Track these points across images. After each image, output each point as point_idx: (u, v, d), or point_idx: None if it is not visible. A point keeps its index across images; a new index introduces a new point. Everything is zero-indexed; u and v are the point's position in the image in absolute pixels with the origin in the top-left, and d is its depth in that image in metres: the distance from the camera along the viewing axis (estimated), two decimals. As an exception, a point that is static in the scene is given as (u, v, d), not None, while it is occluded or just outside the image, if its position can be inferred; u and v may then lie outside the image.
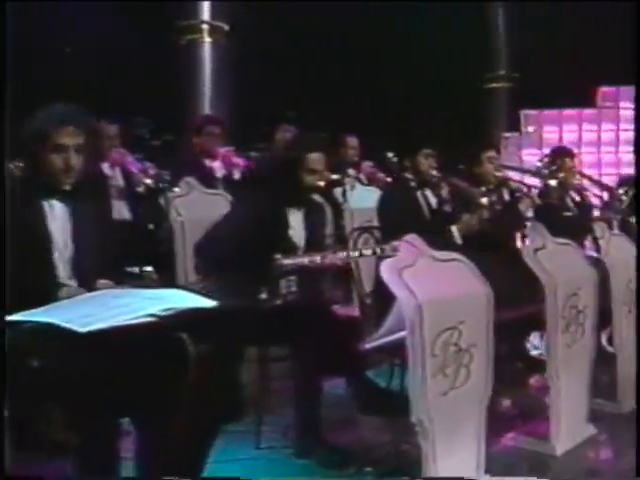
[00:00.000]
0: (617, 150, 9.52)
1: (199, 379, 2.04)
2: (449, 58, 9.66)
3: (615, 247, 3.81)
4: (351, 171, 6.18)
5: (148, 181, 5.02)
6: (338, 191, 5.52)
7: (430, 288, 2.49)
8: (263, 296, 2.76)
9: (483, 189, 4.11)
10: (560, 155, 5.18)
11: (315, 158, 3.25)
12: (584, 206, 5.22)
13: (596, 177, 6.32)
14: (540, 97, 9.28)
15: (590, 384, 3.40)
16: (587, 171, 9.05)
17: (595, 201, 5.72)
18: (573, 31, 9.41)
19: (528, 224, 4.19)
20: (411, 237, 2.61)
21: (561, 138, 9.33)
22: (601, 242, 3.70)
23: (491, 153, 4.46)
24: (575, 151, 8.99)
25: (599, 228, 3.87)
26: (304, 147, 3.28)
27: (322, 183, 3.29)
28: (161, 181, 4.90)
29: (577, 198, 5.24)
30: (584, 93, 9.51)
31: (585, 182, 5.69)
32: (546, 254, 3.18)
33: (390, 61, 9.79)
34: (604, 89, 9.47)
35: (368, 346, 2.64)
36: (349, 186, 5.60)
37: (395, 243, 2.76)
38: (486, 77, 10.66)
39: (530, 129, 9.45)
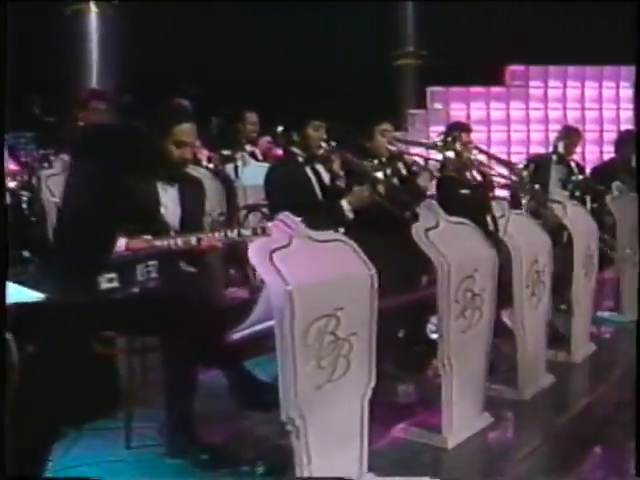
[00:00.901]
0: (528, 129, 9.53)
1: (24, 385, 1.75)
2: (357, 35, 9.50)
3: (517, 227, 3.66)
4: (248, 147, 5.97)
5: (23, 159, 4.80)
6: (230, 167, 5.28)
7: (303, 272, 2.25)
8: (109, 285, 2.46)
9: (376, 162, 3.90)
10: (456, 129, 5.07)
11: (183, 130, 3.01)
12: (485, 183, 5.13)
13: (496, 154, 6.22)
14: (451, 75, 9.20)
15: (486, 371, 3.24)
16: (496, 149, 9.12)
17: (500, 179, 5.65)
18: (483, 8, 9.34)
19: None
20: (284, 216, 2.36)
21: (469, 115, 9.26)
22: (500, 221, 3.54)
23: (385, 126, 4.28)
24: (484, 129, 9.14)
25: (498, 206, 3.71)
26: (170, 118, 3.04)
27: (190, 156, 3.05)
28: (39, 160, 4.72)
29: (478, 177, 5.15)
30: (494, 71, 9.49)
31: (485, 159, 5.59)
32: (438, 233, 2.99)
33: (297, 36, 9.55)
34: (513, 67, 9.44)
35: (236, 336, 2.39)
36: (241, 162, 5.35)
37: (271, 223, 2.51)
38: (394, 54, 10.51)
39: (437, 106, 9.34)
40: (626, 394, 3.84)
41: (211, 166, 5.26)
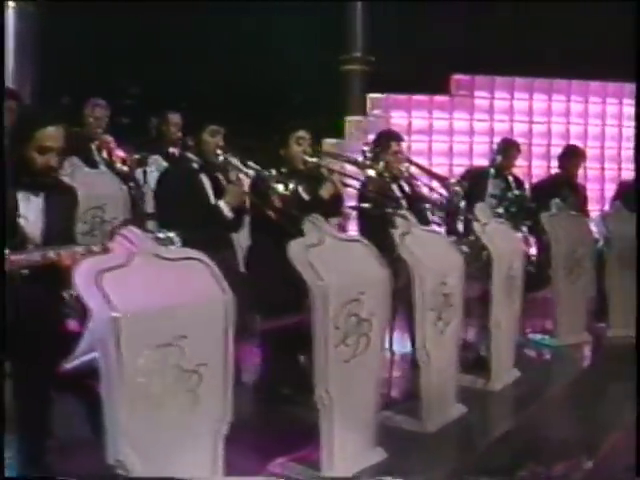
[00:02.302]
0: (471, 140, 9.41)
1: None
2: (303, 39, 9.33)
3: (421, 245, 3.46)
4: (171, 149, 5.73)
5: None
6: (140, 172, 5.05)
7: (140, 296, 2.03)
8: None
9: (274, 172, 3.69)
10: (385, 138, 4.94)
11: (47, 134, 2.78)
12: (413, 197, 4.99)
13: (428, 167, 6.09)
14: (398, 82, 9.06)
15: (376, 403, 3.05)
16: (437, 160, 9.00)
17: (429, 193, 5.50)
18: (430, 17, 9.27)
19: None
20: (127, 230, 2.14)
21: (410, 124, 9.10)
22: (398, 238, 3.33)
23: (300, 134, 4.09)
24: (426, 138, 9.00)
25: (402, 222, 3.51)
26: (33, 122, 2.82)
27: (55, 163, 2.81)
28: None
29: (406, 188, 5.02)
30: (440, 80, 9.38)
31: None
32: (319, 251, 2.78)
33: (242, 40, 9.37)
34: (458, 77, 9.31)
35: (68, 366, 2.16)
36: (153, 166, 5.12)
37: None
38: (340, 59, 10.35)
39: (376, 113, 9.17)
40: (542, 430, 3.72)
41: (125, 169, 5.04)
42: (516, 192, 6.17)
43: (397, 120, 9.00)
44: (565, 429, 3.90)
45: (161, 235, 2.26)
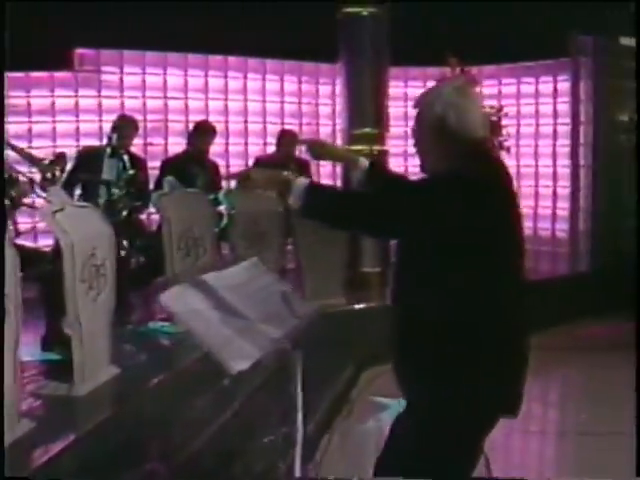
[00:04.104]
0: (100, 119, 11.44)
1: None
2: None
3: (70, 219, 5.16)
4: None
5: None
6: None
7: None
8: None
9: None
10: None
11: None
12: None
13: (23, 149, 7.63)
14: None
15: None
16: (62, 142, 11.00)
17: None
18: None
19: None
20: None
21: (29, 105, 11.17)
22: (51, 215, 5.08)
23: None
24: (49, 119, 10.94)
25: (56, 200, 5.26)
26: None
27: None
28: None
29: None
30: (61, 56, 11.35)
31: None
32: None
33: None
34: (81, 51, 11.41)
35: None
36: None
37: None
38: None
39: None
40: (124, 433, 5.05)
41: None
42: (130, 172, 7.81)
43: (15, 100, 10.87)
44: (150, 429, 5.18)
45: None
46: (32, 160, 6.87)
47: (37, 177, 6.61)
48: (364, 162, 3.92)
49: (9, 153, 6.55)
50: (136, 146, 10.76)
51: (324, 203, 3.44)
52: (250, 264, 3.68)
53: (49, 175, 6.46)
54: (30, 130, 11.26)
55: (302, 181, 3.40)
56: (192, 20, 11.01)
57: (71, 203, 5.26)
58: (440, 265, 3.37)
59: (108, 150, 8.03)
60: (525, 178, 13.40)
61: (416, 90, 12.54)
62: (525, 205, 12.36)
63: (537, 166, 13.52)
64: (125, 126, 8.50)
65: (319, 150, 4.17)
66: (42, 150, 10.42)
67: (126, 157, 8.03)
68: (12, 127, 10.71)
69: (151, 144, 11.79)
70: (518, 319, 3.54)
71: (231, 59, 12.54)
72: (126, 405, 5.37)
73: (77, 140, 11.27)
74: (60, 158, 6.76)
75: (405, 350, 3.54)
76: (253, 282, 3.52)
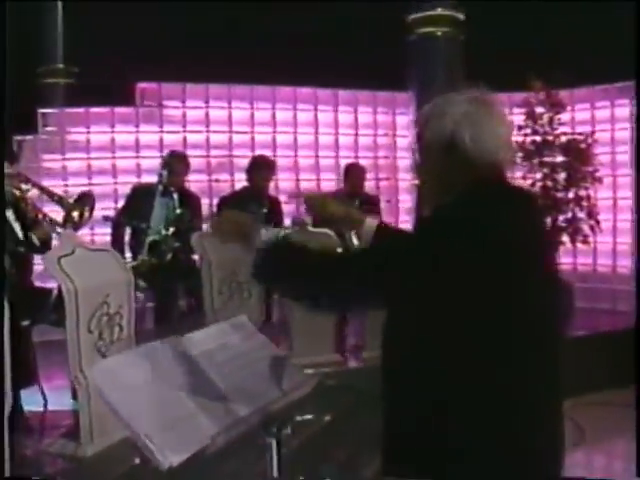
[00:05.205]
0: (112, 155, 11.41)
1: None
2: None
3: (79, 264, 4.92)
4: None
5: None
6: None
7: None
8: None
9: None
10: None
11: None
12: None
13: (48, 188, 7.17)
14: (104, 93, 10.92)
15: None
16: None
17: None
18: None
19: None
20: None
21: (89, 141, 11.21)
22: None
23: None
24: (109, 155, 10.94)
25: (66, 242, 5.35)
26: None
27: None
28: None
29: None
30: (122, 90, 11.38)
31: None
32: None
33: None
34: (143, 85, 11.40)
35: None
36: None
37: None
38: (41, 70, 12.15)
39: (49, 130, 11.12)
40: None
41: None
42: (178, 211, 7.78)
43: (77, 137, 11.10)
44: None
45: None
46: (55, 198, 6.51)
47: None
48: (371, 224, 3.29)
49: (34, 191, 6.41)
50: (200, 183, 10.78)
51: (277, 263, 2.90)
52: (238, 322, 3.20)
53: (75, 215, 6.15)
54: (89, 166, 11.27)
55: (266, 233, 2.96)
56: (258, 51, 10.83)
57: (85, 246, 4.94)
58: (428, 353, 2.66)
59: (160, 187, 7.98)
60: (623, 211, 11.93)
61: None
62: (623, 242, 11.63)
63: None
64: (175, 162, 8.31)
65: (318, 207, 3.58)
66: (101, 187, 10.85)
67: (176, 195, 7.94)
68: (72, 164, 11.04)
69: (217, 180, 11.56)
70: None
71: (300, 90, 12.26)
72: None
73: (138, 177, 11.15)
74: (85, 197, 6.46)
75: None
76: (235, 345, 3.06)
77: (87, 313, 4.76)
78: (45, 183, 10.32)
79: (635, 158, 11.30)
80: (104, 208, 9.36)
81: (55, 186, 10.27)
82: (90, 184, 10.85)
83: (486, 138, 2.78)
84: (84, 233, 6.61)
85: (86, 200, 6.37)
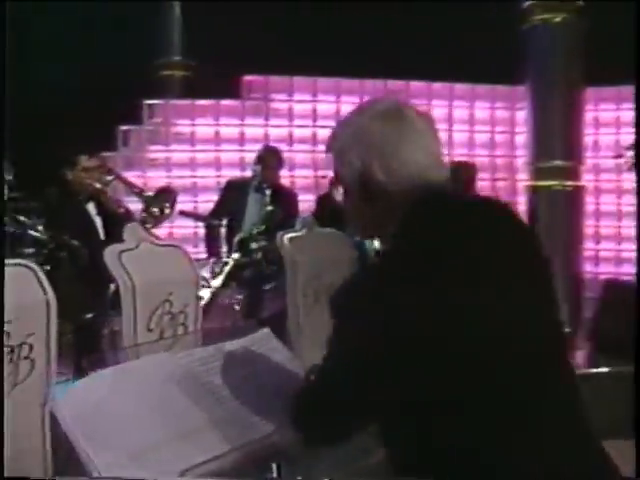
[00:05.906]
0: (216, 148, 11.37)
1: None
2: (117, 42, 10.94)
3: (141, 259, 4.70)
4: None
5: None
6: None
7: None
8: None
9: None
10: None
11: None
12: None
13: (131, 181, 7.39)
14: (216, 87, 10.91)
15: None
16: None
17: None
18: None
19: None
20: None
21: (194, 133, 11.21)
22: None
23: (87, 163, 5.96)
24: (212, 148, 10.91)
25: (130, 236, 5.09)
26: None
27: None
28: None
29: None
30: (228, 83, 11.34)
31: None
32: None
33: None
34: (249, 78, 11.40)
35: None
36: None
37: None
38: (158, 63, 12.31)
39: (155, 121, 11.13)
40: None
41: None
42: (268, 208, 7.38)
43: (182, 129, 11.14)
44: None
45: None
46: (136, 191, 6.57)
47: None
48: None
49: (115, 184, 6.39)
50: (307, 178, 10.59)
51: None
52: (260, 336, 2.98)
53: (155, 210, 6.08)
54: (194, 159, 11.24)
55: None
56: (368, 43, 10.57)
57: (151, 241, 4.75)
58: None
59: (254, 183, 7.84)
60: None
61: (607, 114, 11.60)
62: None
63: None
64: (269, 157, 8.11)
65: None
66: (205, 179, 10.92)
67: (268, 191, 7.55)
68: (176, 155, 11.05)
69: (324, 177, 11.32)
70: None
71: (413, 84, 11.96)
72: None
73: (242, 170, 10.98)
74: (165, 192, 6.32)
75: None
76: (250, 363, 2.81)
77: (146, 311, 4.51)
78: (149, 174, 10.55)
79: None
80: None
81: (158, 177, 10.40)
82: (193, 176, 10.98)
83: (402, 163, 2.35)
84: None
85: (166, 195, 6.25)
